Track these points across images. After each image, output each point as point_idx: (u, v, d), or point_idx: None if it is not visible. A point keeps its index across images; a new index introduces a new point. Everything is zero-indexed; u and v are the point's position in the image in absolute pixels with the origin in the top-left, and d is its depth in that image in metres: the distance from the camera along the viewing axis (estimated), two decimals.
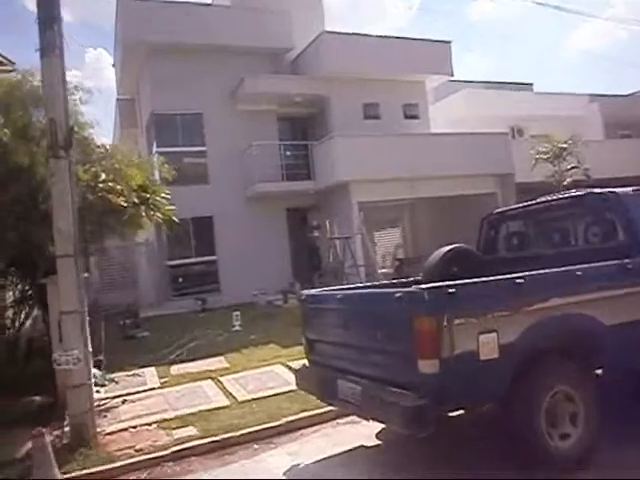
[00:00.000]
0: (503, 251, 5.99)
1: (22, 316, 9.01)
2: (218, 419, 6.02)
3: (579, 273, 3.94)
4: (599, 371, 4.28)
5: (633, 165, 18.02)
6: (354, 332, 4.19)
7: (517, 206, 5.77)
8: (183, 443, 5.37)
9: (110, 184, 7.19)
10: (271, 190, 16.49)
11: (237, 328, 11.51)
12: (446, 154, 16.30)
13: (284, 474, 4.64)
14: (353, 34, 17.42)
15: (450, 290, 3.44)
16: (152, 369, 8.62)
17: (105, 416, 6.44)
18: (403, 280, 5.70)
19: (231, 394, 6.89)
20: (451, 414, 3.81)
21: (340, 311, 4.33)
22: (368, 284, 6.38)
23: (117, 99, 20.72)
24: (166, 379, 7.95)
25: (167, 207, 8.35)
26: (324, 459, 4.80)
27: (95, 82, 70.72)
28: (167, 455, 5.19)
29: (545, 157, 15.60)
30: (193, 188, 16.26)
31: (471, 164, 16.49)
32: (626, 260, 4.18)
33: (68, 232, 5.46)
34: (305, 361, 5.22)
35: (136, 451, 5.33)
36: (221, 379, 7.62)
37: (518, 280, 3.70)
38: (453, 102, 22.34)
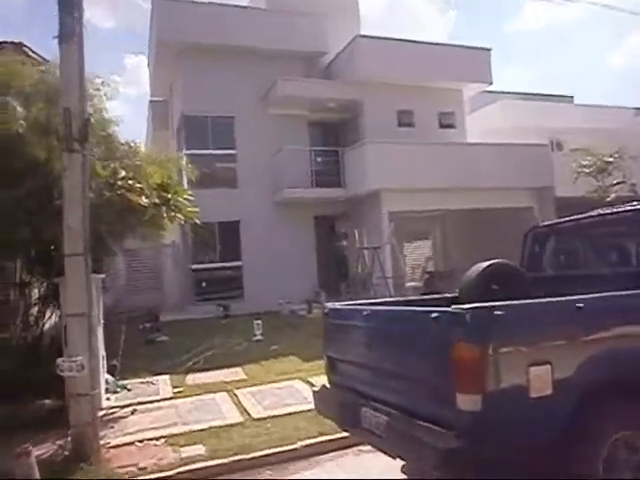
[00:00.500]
0: (549, 269, 5.40)
1: (46, 315, 8.80)
2: (230, 437, 5.59)
3: None
4: None
5: None
6: (382, 354, 3.69)
7: (567, 219, 5.18)
8: (190, 464, 4.95)
9: (130, 182, 6.88)
10: (300, 196, 16.11)
11: (258, 337, 11.10)
12: (482, 165, 15.66)
13: None
14: (389, 39, 16.94)
15: (497, 312, 2.92)
16: (167, 377, 8.27)
17: (112, 427, 6.08)
18: (437, 296, 5.16)
19: (246, 410, 6.45)
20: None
21: (367, 329, 3.84)
22: (398, 299, 5.85)
23: (150, 101, 20.74)
24: (180, 389, 7.57)
25: (189, 209, 8.01)
26: None
27: (135, 89, 71.99)
28: (171, 477, 4.77)
29: (588, 171, 14.82)
30: (221, 192, 16.06)
31: (508, 176, 15.81)
32: None
33: (79, 230, 5.13)
34: (325, 380, 4.74)
35: (139, 469, 4.92)
36: (237, 392, 7.19)
37: (578, 304, 3.16)
38: (489, 113, 21.55)
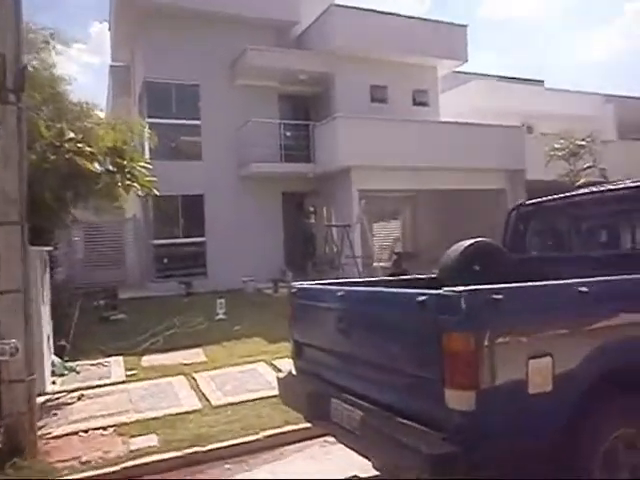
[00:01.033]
0: (535, 250, 5.06)
1: None
2: (186, 427, 5.12)
3: None
4: None
5: None
6: (357, 340, 3.25)
7: (555, 197, 4.82)
8: (139, 457, 4.46)
9: (79, 145, 6.21)
10: (267, 171, 15.50)
11: (221, 317, 10.61)
12: (454, 145, 15.32)
13: None
14: (365, 9, 16.26)
15: (495, 296, 2.51)
16: (120, 358, 7.72)
17: (55, 415, 5.52)
18: (416, 277, 4.75)
19: (204, 395, 5.97)
20: None
21: (340, 312, 3.38)
22: (373, 279, 5.42)
23: (110, 66, 19.56)
24: (134, 372, 7.04)
25: (147, 178, 7.37)
26: None
27: (100, 58, 68.90)
28: (117, 472, 4.27)
29: (561, 154, 14.68)
30: (184, 164, 15.33)
31: (481, 157, 15.54)
32: None
33: (14, 194, 4.49)
34: (292, 365, 4.29)
35: (81, 464, 4.41)
36: (195, 376, 6.71)
37: (582, 287, 2.77)
38: (462, 93, 21.22)
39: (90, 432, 5.05)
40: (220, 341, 8.56)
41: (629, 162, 17.27)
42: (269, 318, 10.01)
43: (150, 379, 6.67)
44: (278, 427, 4.97)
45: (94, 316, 10.97)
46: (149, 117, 14.60)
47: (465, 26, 17.75)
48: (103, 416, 5.42)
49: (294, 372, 4.17)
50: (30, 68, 5.75)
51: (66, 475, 4.18)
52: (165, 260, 15.53)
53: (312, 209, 17.78)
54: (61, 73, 7.55)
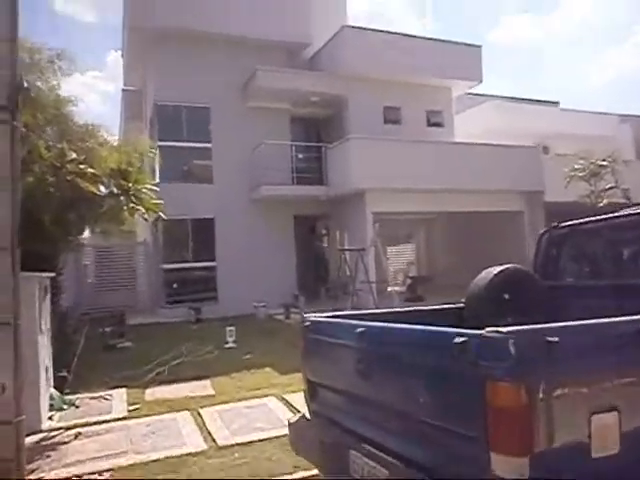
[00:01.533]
0: (569, 277, 4.62)
1: None
2: (188, 472, 4.67)
3: None
4: None
5: None
6: (380, 384, 2.83)
7: (592, 219, 4.40)
8: None
9: (81, 166, 5.93)
10: (279, 194, 15.22)
11: (231, 345, 10.19)
12: (470, 166, 14.96)
13: None
14: (377, 30, 16.15)
15: (550, 339, 2.09)
16: (123, 391, 7.30)
17: (49, 456, 5.09)
18: (441, 307, 4.31)
19: (210, 434, 5.52)
20: None
21: (360, 351, 2.95)
22: (394, 310, 4.96)
23: (122, 90, 19.61)
24: (136, 406, 6.60)
25: (153, 201, 7.07)
26: None
27: (115, 86, 70.09)
28: None
29: (581, 174, 14.21)
30: (195, 187, 15.14)
31: (496, 178, 15.16)
32: None
33: (4, 220, 4.16)
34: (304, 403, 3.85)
35: None
36: (202, 411, 6.26)
37: None
38: (476, 114, 20.95)
39: (84, 477, 4.62)
40: (229, 372, 8.13)
41: None
42: (280, 346, 9.60)
43: (153, 415, 6.23)
44: (288, 474, 4.51)
45: (100, 343, 10.62)
46: (160, 140, 14.49)
47: (479, 46, 17.55)
48: (99, 458, 4.99)
49: (308, 416, 3.74)
50: (31, 87, 5.51)
51: None
52: (175, 285, 15.21)
53: (325, 232, 17.43)
54: (67, 95, 7.35)
